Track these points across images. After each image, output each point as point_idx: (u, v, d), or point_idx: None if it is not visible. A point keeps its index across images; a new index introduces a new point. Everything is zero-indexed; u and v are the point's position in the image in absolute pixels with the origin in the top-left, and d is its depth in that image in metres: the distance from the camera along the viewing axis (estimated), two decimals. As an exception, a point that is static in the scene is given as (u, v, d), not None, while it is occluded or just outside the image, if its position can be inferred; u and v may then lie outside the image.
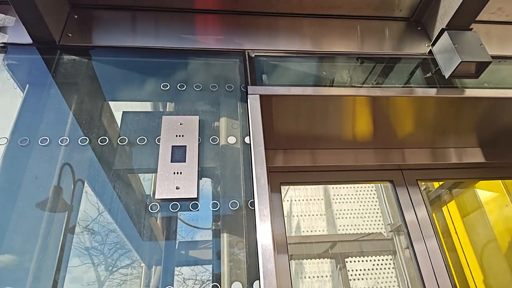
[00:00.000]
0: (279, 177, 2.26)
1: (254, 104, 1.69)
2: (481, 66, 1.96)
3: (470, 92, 1.98)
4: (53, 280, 1.26)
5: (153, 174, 1.64)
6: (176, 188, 1.40)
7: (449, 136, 2.36)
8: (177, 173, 1.43)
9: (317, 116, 2.02)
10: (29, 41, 1.77)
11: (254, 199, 1.42)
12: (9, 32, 1.83)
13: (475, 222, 2.97)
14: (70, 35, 1.84)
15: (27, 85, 1.70)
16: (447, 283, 2.02)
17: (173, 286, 1.30)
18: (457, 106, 2.06)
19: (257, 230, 1.33)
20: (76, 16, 1.93)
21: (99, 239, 1.40)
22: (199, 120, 1.62)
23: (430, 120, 2.18)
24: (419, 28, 2.23)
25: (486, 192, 2.93)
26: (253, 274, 1.28)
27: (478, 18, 2.13)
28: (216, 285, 1.27)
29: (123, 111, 1.71)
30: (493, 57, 2.18)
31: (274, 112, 1.92)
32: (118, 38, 1.89)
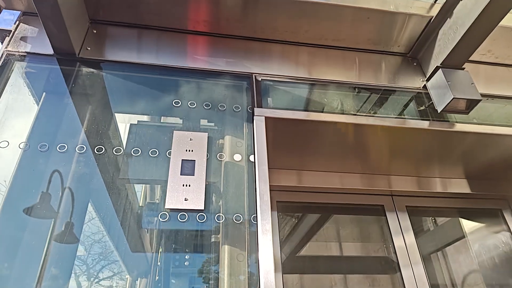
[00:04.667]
0: (276, 196, 2.35)
1: (259, 125, 1.80)
2: (472, 103, 2.10)
3: (460, 127, 2.12)
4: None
5: (143, 186, 1.71)
6: (185, 200, 1.48)
7: (437, 166, 2.48)
8: (186, 185, 1.52)
9: (315, 139, 2.12)
10: (50, 51, 1.86)
11: (257, 214, 1.51)
12: (29, 42, 1.92)
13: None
14: (89, 48, 1.94)
15: (44, 93, 1.78)
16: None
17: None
18: (447, 138, 2.19)
19: (259, 243, 1.42)
20: (94, 31, 2.03)
21: (83, 249, 1.42)
22: (208, 136, 1.71)
23: (419, 150, 2.30)
24: (414, 64, 2.40)
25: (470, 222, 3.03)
26: (253, 285, 1.35)
27: (469, 58, 2.30)
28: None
29: (131, 124, 1.80)
30: (481, 95, 2.36)
31: (269, 133, 2.01)
32: (134, 55, 2.00)
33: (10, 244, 1.33)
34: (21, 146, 1.55)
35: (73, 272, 1.37)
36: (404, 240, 2.34)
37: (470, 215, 2.86)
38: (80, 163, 1.56)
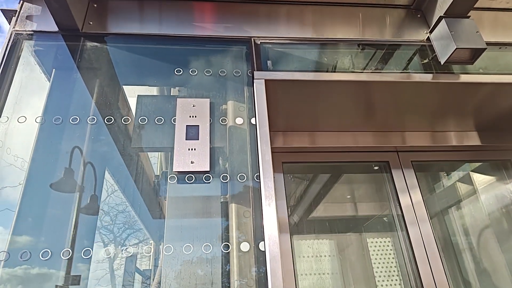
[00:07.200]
0: (281, 157, 2.40)
1: (259, 88, 1.84)
2: (476, 53, 2.06)
3: (464, 78, 2.09)
4: (68, 258, 1.42)
5: (159, 155, 1.81)
6: (191, 163, 1.58)
7: (444, 120, 2.47)
8: (192, 149, 1.61)
9: (317, 100, 2.14)
10: (55, 28, 1.93)
11: (259, 172, 1.59)
12: (35, 21, 1.99)
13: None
14: (91, 23, 1.99)
15: (54, 69, 1.87)
16: (439, 267, 2.13)
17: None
18: (452, 91, 2.17)
19: (262, 198, 1.51)
20: (95, 5, 2.07)
21: (108, 219, 1.55)
22: (210, 102, 1.78)
23: (425, 104, 2.28)
24: (418, 16, 2.34)
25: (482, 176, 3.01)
26: (259, 237, 1.47)
27: (484, 6, 2.21)
28: (227, 244, 1.46)
29: (138, 95, 1.87)
30: (495, 44, 2.28)
31: (275, 96, 2.05)
32: (136, 26, 2.04)
33: (36, 215, 1.47)
34: (38, 120, 1.66)
35: (101, 241, 1.50)
36: (410, 198, 2.35)
37: (479, 168, 2.87)
38: (93, 134, 1.67)
